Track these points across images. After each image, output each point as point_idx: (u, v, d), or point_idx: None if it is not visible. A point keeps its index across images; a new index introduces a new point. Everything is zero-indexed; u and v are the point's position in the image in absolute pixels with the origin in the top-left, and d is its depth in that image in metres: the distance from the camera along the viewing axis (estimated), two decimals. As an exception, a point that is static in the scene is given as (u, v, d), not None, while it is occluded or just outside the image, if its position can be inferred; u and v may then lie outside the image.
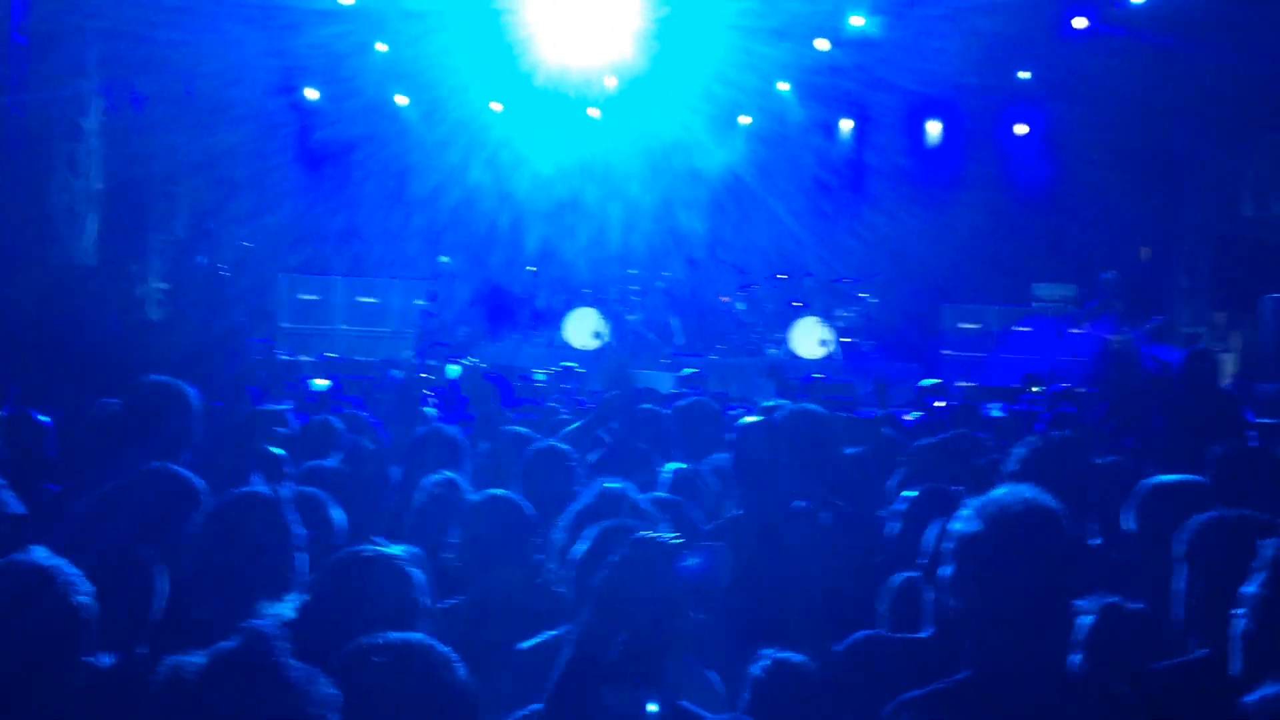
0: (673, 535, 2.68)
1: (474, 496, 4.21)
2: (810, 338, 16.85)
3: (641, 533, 2.72)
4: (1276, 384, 12.68)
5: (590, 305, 17.09)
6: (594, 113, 17.84)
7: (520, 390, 11.84)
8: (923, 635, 3.32)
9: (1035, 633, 2.53)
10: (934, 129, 18.69)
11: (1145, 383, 11.91)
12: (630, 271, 18.05)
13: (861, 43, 15.57)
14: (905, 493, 4.08)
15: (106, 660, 2.80)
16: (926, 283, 18.07)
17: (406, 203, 18.36)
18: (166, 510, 3.43)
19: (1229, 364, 14.94)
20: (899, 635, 3.44)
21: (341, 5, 14.69)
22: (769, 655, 3.16)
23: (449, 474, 4.61)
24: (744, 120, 18.41)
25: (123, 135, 15.88)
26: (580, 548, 3.21)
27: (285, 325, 17.42)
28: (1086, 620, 3.12)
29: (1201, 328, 17.19)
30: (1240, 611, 2.74)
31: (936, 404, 9.79)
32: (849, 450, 5.43)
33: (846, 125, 18.85)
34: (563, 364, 13.69)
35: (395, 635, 2.43)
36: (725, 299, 18.00)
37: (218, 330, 13.31)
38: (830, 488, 4.48)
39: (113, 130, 15.82)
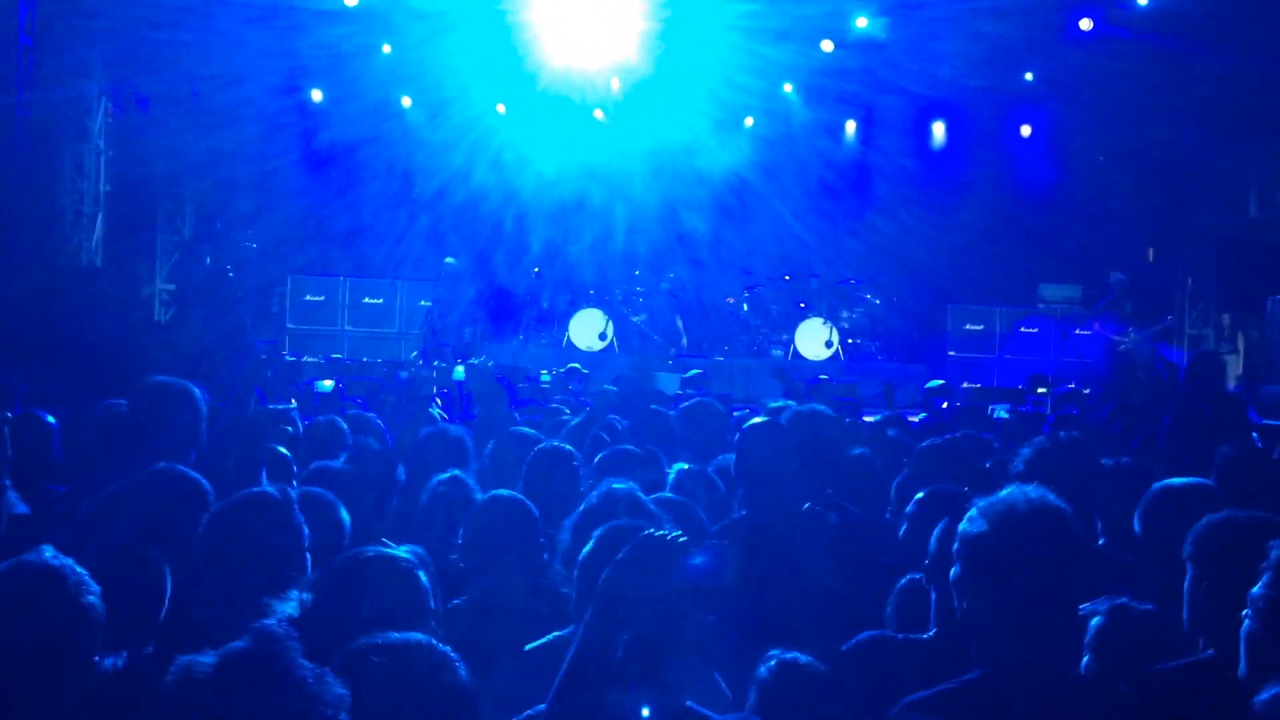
0: (677, 533, 2.66)
1: (480, 497, 4.21)
2: (815, 339, 16.85)
3: (647, 531, 2.71)
4: (1281, 385, 12.66)
5: (595, 307, 17.10)
6: (599, 115, 17.84)
7: (524, 391, 11.85)
8: (926, 636, 3.32)
9: (1043, 634, 2.52)
10: (939, 130, 18.68)
11: (1152, 384, 11.90)
12: (635, 273, 18.06)
13: (866, 44, 15.56)
14: (916, 495, 4.06)
15: (114, 660, 2.80)
16: (931, 284, 18.06)
17: (411, 204, 18.37)
18: (173, 511, 3.43)
19: (1234, 365, 14.93)
20: (902, 636, 3.43)
21: (346, 6, 14.70)
22: (776, 655, 3.16)
23: (456, 471, 4.60)
24: (749, 122, 18.41)
25: (128, 137, 15.91)
26: (586, 549, 3.21)
27: (290, 326, 17.46)
28: (1096, 621, 3.12)
29: (1207, 329, 17.19)
30: (1247, 612, 2.74)
31: (941, 405, 9.79)
32: (855, 451, 5.42)
33: (851, 127, 18.84)
34: (568, 365, 13.69)
35: (395, 635, 2.43)
36: (730, 300, 18.01)
37: (223, 331, 13.31)
38: (836, 489, 4.47)
39: (118, 132, 15.85)
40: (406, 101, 18.04)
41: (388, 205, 18.58)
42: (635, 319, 17.49)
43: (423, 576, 3.00)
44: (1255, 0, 13.53)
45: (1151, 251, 18.27)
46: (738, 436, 4.53)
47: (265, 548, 3.13)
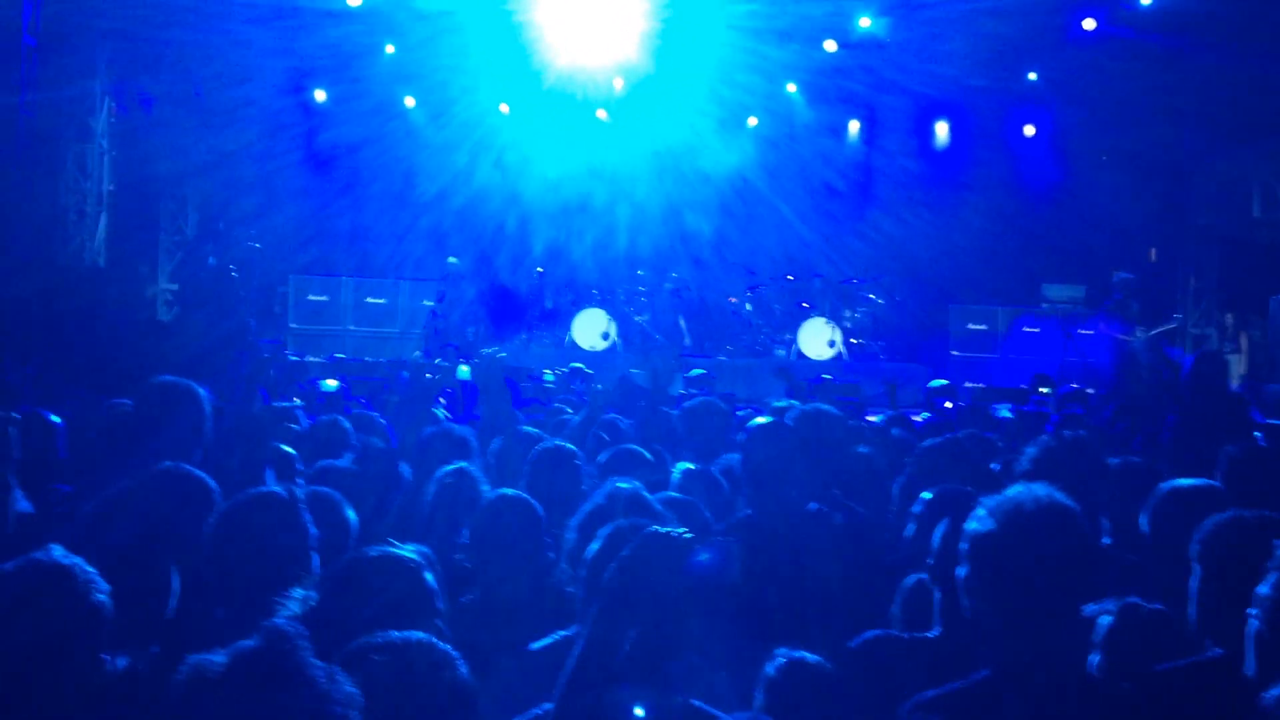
0: (682, 530, 2.65)
1: (486, 489, 4.21)
2: (818, 339, 16.85)
3: (652, 528, 2.70)
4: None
5: (598, 306, 17.10)
6: (602, 115, 17.84)
7: (528, 391, 11.84)
8: (930, 635, 3.32)
9: (1051, 633, 2.52)
10: (942, 130, 18.68)
11: (1156, 383, 11.89)
12: (638, 273, 18.06)
13: (869, 44, 15.56)
14: (923, 495, 4.06)
15: (121, 659, 2.80)
16: (934, 284, 18.06)
17: (414, 204, 18.39)
18: (178, 510, 3.43)
19: (1237, 365, 14.91)
20: (907, 635, 3.43)
21: (350, 6, 14.70)
22: (783, 654, 3.16)
23: (462, 463, 4.60)
24: (752, 122, 18.41)
25: (132, 136, 15.94)
26: (592, 548, 3.21)
27: (294, 326, 17.46)
28: (1105, 620, 3.12)
29: (1210, 329, 17.18)
30: (1254, 612, 2.74)
31: (945, 405, 9.77)
32: (859, 450, 5.41)
33: (854, 127, 18.85)
34: (571, 365, 13.68)
35: (396, 634, 2.43)
36: (733, 300, 18.01)
37: (226, 330, 13.32)
38: (841, 488, 4.47)
39: (122, 131, 15.88)
40: (410, 101, 18.05)
41: (391, 205, 18.61)
42: (638, 319, 17.49)
43: (429, 577, 3.00)
44: (1258, 1, 13.52)
45: (1154, 251, 18.27)
46: (743, 436, 4.52)
47: (272, 547, 3.13)
